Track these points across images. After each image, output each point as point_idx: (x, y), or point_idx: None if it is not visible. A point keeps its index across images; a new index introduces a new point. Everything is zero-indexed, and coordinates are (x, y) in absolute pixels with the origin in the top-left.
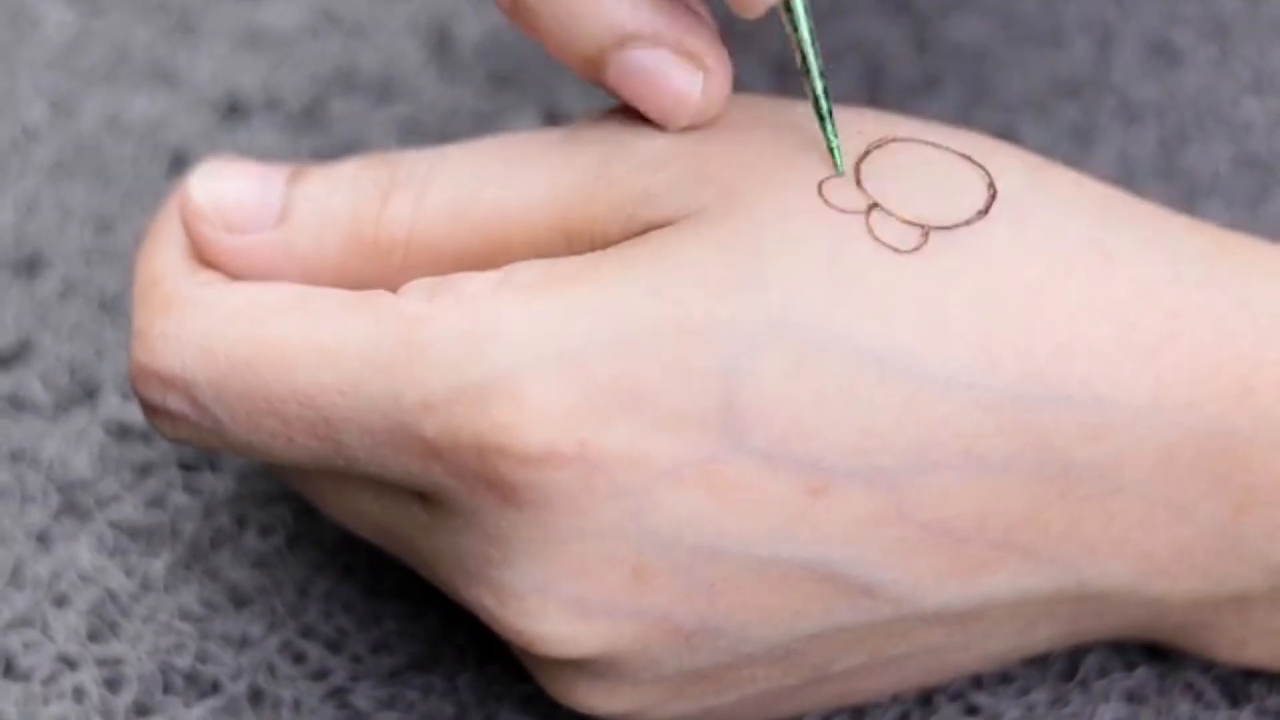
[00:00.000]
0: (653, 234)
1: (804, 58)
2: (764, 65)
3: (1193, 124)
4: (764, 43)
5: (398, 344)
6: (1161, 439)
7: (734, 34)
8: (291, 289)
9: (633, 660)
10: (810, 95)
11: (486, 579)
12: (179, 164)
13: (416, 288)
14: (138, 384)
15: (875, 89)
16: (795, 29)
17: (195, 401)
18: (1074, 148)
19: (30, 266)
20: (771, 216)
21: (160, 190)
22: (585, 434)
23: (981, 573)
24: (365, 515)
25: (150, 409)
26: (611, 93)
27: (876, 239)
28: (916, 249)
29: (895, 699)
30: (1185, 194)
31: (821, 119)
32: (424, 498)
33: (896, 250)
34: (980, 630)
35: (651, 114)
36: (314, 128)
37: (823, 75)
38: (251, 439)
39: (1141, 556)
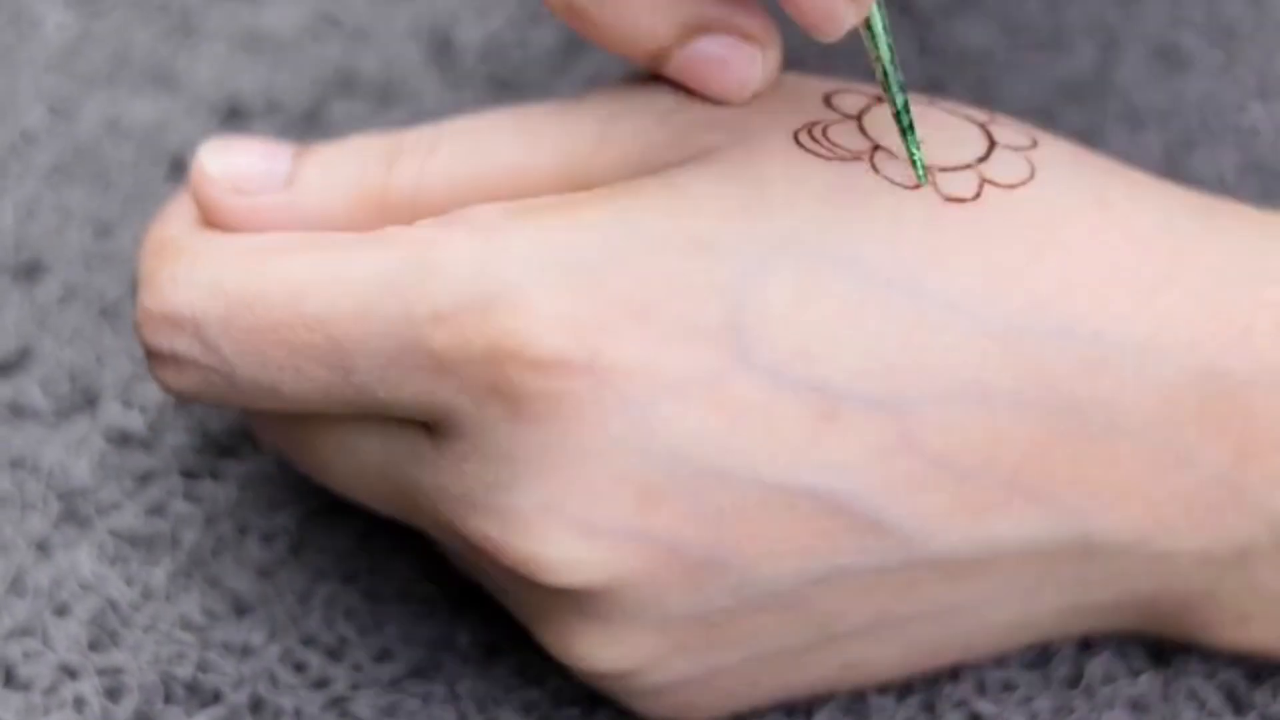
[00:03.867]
0: (661, 170)
1: (885, 74)
2: None
3: (1198, 129)
4: None
5: (408, 264)
6: (1162, 379)
7: None
8: (301, 233)
9: (637, 595)
10: (891, 109)
11: (491, 505)
12: (179, 168)
13: (428, 220)
14: (145, 331)
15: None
16: (876, 48)
17: (203, 340)
18: None
19: (30, 272)
20: (779, 151)
21: (160, 194)
22: (595, 343)
23: (987, 514)
24: (367, 464)
25: (157, 357)
26: (671, 79)
27: (882, 175)
28: (918, 186)
29: (900, 703)
30: None
31: (903, 131)
32: (429, 430)
33: (900, 185)
34: (986, 589)
35: (716, 96)
36: (314, 131)
37: (903, 89)
38: (259, 375)
39: (1145, 507)
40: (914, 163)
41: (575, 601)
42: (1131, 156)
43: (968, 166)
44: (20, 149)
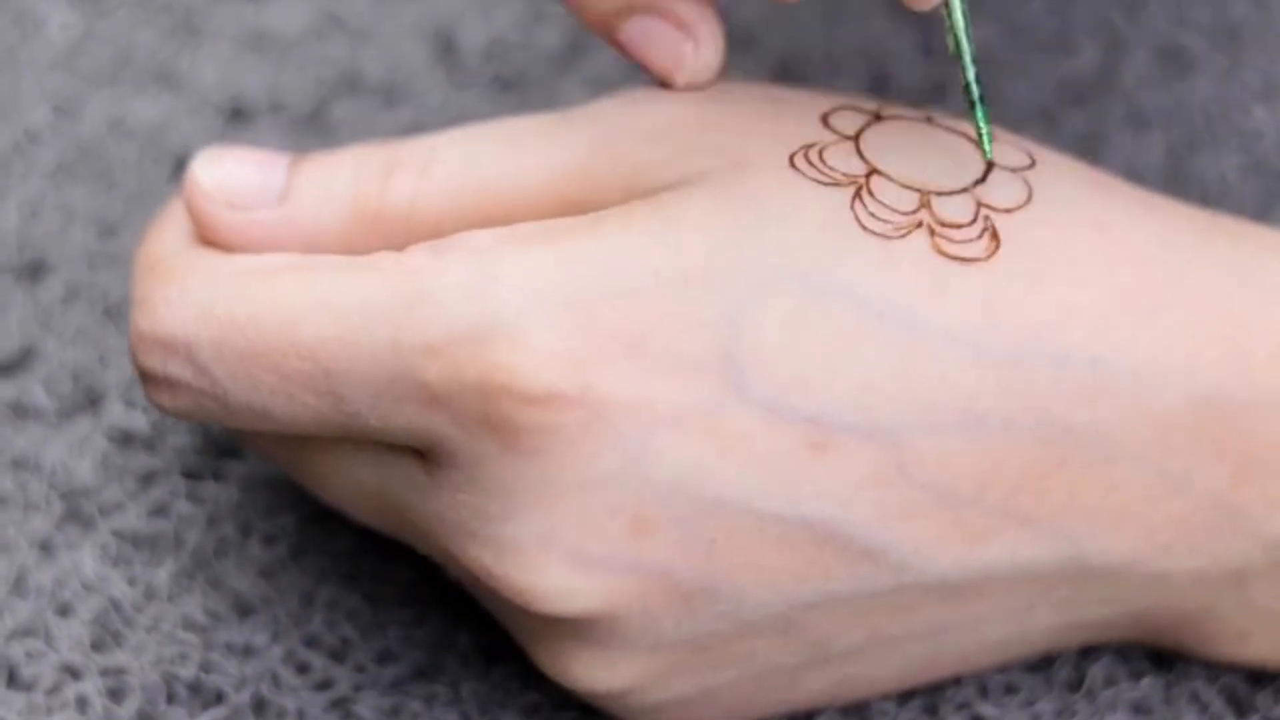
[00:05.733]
0: (654, 195)
1: (958, 45)
2: (763, 66)
3: (1202, 131)
4: (763, 45)
5: (400, 293)
6: (1159, 404)
7: (734, 36)
8: (293, 255)
9: (631, 622)
10: (961, 80)
11: (486, 535)
12: (182, 167)
13: (420, 247)
14: (139, 352)
15: (882, 95)
16: (952, 22)
17: (196, 364)
18: (1082, 155)
19: (33, 271)
20: (773, 176)
21: (164, 194)
22: (588, 377)
23: (981, 540)
24: (362, 485)
25: (151, 379)
26: (622, 52)
27: (878, 200)
28: (915, 211)
29: (902, 707)
30: (1194, 202)
31: (972, 104)
32: (423, 457)
33: (896, 210)
34: (980, 610)
35: (653, 73)
36: (318, 132)
37: (975, 62)
38: (252, 399)
39: (1141, 531)
40: (981, 137)
41: (570, 627)
42: (1135, 158)
43: (964, 190)
44: (24, 148)
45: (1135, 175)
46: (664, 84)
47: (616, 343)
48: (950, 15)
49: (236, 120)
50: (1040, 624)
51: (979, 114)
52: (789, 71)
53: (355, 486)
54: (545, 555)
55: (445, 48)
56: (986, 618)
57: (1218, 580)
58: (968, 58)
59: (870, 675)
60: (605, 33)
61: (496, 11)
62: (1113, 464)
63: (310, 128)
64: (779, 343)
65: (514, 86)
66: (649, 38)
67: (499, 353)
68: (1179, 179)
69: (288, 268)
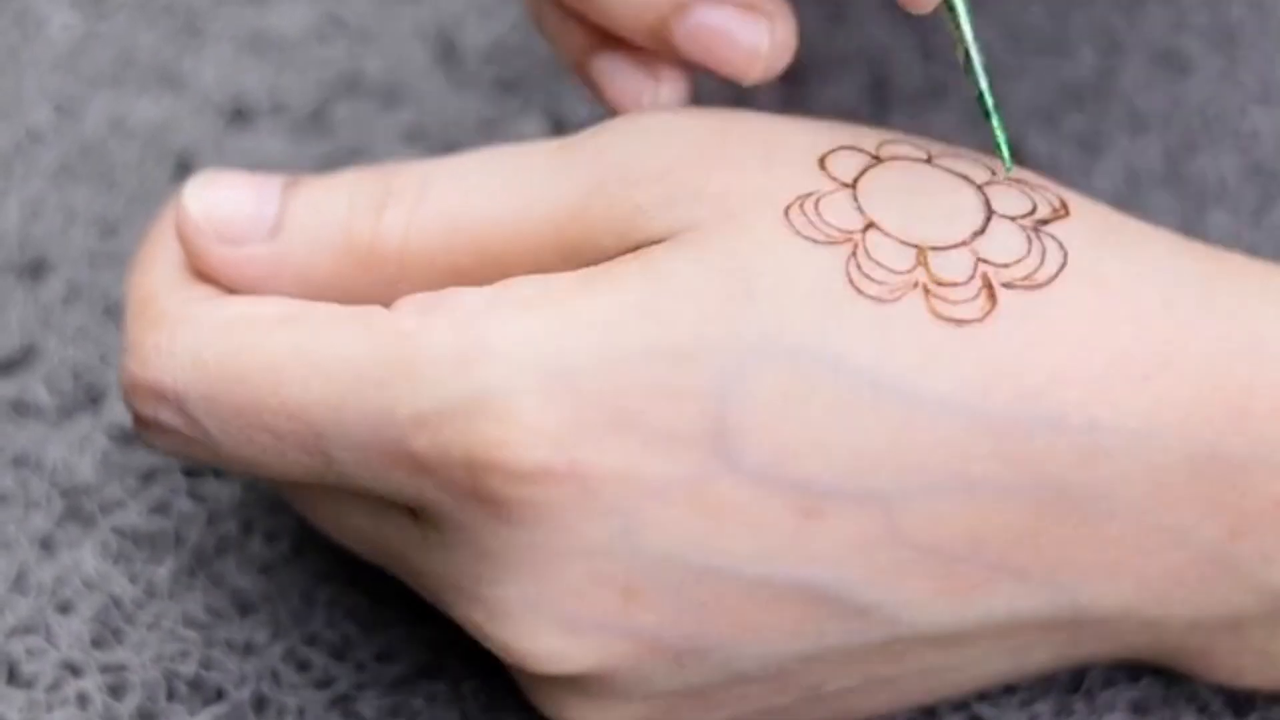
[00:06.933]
0: (646, 251)
1: (966, 55)
2: None
3: (1200, 133)
4: None
5: (389, 359)
6: (1155, 463)
7: None
8: (284, 303)
9: (623, 678)
10: (974, 92)
11: (477, 596)
12: (184, 168)
13: (409, 303)
14: (130, 396)
15: (881, 98)
16: (958, 28)
17: (187, 415)
18: (1080, 157)
19: (35, 270)
20: (766, 235)
21: (165, 194)
22: (577, 452)
23: (975, 594)
24: (358, 530)
25: (142, 421)
26: (679, 57)
27: (873, 260)
28: (911, 270)
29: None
30: (1191, 204)
31: (986, 114)
32: (416, 513)
33: (891, 270)
34: (975, 653)
35: (724, 72)
36: (319, 133)
37: (987, 71)
38: (242, 453)
39: (1136, 581)
40: (999, 147)
41: (564, 681)
42: (1133, 160)
43: (963, 244)
44: (26, 148)
45: (1133, 177)
46: (735, 82)
47: (605, 415)
48: (957, 25)
49: (238, 121)
50: (1035, 659)
51: (995, 123)
52: (790, 74)
53: (350, 529)
54: (534, 620)
55: (446, 49)
56: (981, 659)
57: (1213, 626)
58: (979, 68)
59: (864, 708)
60: (656, 41)
61: (497, 13)
62: (1109, 520)
63: (311, 129)
64: (769, 414)
65: (515, 88)
66: (717, 31)
67: (487, 428)
68: (1177, 180)
69: (277, 321)
